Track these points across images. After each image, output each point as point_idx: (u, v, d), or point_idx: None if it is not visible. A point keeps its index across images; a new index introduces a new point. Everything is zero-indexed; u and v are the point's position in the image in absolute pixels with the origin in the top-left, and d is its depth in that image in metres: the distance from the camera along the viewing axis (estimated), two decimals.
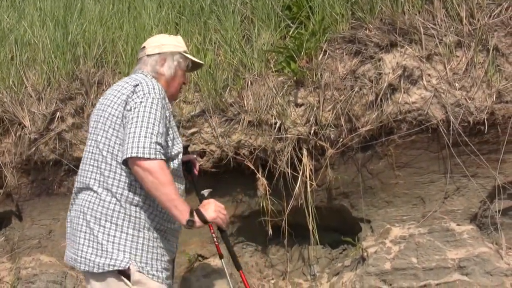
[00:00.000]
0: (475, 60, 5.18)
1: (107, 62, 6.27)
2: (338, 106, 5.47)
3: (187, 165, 4.67)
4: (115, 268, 3.67)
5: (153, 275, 3.79)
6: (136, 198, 3.81)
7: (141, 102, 3.74)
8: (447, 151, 5.28)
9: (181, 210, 3.66)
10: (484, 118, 5.10)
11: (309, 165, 5.59)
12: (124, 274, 3.69)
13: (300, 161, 5.60)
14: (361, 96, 5.44)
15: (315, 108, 5.55)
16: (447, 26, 5.34)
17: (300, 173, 5.58)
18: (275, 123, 5.60)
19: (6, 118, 6.26)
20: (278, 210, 5.72)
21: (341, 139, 5.50)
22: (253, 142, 5.67)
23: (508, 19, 5.25)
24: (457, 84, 5.17)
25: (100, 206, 3.80)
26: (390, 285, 5.28)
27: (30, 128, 6.07)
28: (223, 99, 5.73)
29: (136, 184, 3.79)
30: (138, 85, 3.86)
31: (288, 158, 5.57)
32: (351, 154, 5.59)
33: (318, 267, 6.01)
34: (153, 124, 3.66)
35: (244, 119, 5.67)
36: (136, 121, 3.67)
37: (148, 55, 4.20)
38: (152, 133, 3.62)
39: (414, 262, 5.28)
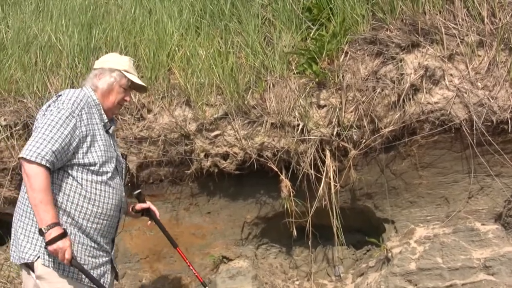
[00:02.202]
0: (497, 59, 5.22)
1: None
2: (361, 107, 5.53)
3: (149, 214, 4.98)
4: (23, 261, 4.04)
5: (64, 270, 4.06)
6: (59, 200, 4.09)
7: (51, 111, 4.09)
8: (470, 150, 5.33)
9: (41, 217, 3.89)
10: (507, 117, 5.14)
11: (332, 166, 5.65)
12: (31, 267, 4.04)
13: (323, 162, 5.67)
14: (383, 97, 5.49)
15: (337, 110, 5.62)
16: (468, 25, 5.38)
17: (324, 174, 5.65)
18: (298, 125, 5.68)
19: (31, 123, 6.35)
20: (302, 211, 5.79)
21: (364, 140, 5.56)
22: (276, 144, 5.74)
23: None
24: (479, 84, 5.21)
25: (22, 203, 4.18)
26: (416, 285, 5.34)
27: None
28: (246, 102, 5.80)
29: (55, 184, 4.10)
30: (60, 95, 4.21)
31: (311, 159, 5.64)
32: (374, 155, 5.65)
33: (342, 268, 6.07)
34: (50, 131, 3.98)
35: (266, 121, 5.74)
36: (39, 128, 4.03)
37: (94, 69, 4.56)
38: (45, 139, 3.95)
39: (440, 262, 5.32)
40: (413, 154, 5.51)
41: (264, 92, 5.84)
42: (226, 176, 5.99)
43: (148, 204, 4.93)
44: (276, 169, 5.77)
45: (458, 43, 5.34)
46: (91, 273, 4.12)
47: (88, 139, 4.16)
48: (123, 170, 4.56)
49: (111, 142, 4.41)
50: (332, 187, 5.64)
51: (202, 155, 5.92)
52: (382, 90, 5.49)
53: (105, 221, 4.25)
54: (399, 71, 5.45)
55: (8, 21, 7.66)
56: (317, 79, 5.73)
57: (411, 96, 5.38)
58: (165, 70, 6.20)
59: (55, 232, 3.87)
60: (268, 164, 5.78)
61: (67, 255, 3.90)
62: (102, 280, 4.24)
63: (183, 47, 6.34)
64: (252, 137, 5.80)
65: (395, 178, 5.66)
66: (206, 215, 6.24)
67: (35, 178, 3.88)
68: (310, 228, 5.77)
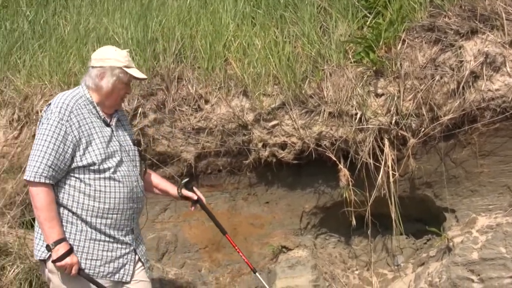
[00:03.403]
0: None
1: (186, 58, 6.44)
2: (419, 95, 5.52)
3: (197, 203, 5.01)
4: (38, 257, 4.34)
5: None
6: (65, 202, 4.27)
7: (42, 124, 4.25)
8: None
9: (46, 234, 4.13)
10: None
11: (391, 155, 5.65)
12: (45, 262, 4.28)
13: (382, 151, 5.67)
14: (442, 85, 5.47)
15: (395, 98, 5.61)
16: None
17: (382, 163, 5.65)
18: (356, 114, 5.70)
19: None
20: (361, 201, 5.80)
21: (423, 129, 5.55)
22: (334, 133, 5.76)
23: None
24: None
25: None
26: (478, 275, 5.29)
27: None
28: (303, 91, 5.83)
29: (60, 187, 4.27)
30: (50, 104, 4.32)
31: (369, 148, 5.66)
32: (433, 144, 5.63)
33: (402, 258, 6.07)
34: (42, 146, 4.14)
35: (324, 110, 5.77)
36: (34, 144, 4.23)
37: (92, 67, 4.51)
38: (39, 156, 4.13)
39: (503, 252, 5.26)
40: (474, 142, 5.47)
41: (321, 81, 5.86)
42: (284, 165, 6.04)
43: (196, 196, 4.96)
44: (335, 159, 5.79)
45: None
46: (107, 267, 4.31)
47: (83, 140, 4.23)
48: (136, 157, 4.61)
49: (114, 135, 4.44)
50: (391, 176, 5.65)
51: (260, 145, 5.98)
52: (441, 77, 5.46)
53: (115, 215, 4.33)
54: (458, 58, 5.42)
55: (65, 15, 7.79)
56: (374, 68, 5.73)
57: (471, 84, 5.34)
58: (221, 60, 6.25)
59: (62, 249, 4.09)
60: (326, 154, 5.80)
61: (74, 271, 4.12)
62: (121, 272, 4.37)
63: (239, 37, 6.39)
64: (310, 127, 5.83)
65: (455, 167, 5.63)
66: (264, 205, 6.30)
67: (36, 197, 4.12)
68: (369, 218, 5.79)
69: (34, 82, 6.83)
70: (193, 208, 5.02)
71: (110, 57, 4.45)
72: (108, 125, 4.43)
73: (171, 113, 6.21)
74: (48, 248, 4.11)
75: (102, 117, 4.41)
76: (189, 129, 6.15)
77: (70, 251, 4.12)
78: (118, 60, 4.44)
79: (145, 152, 6.26)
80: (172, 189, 4.94)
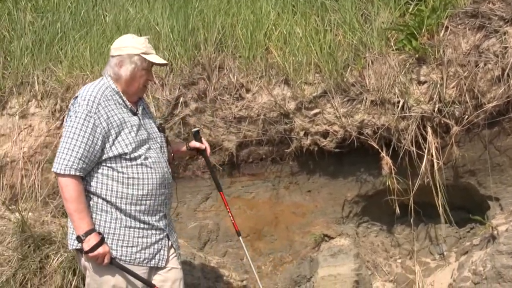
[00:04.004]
0: None
1: (227, 47, 6.47)
2: (462, 82, 5.50)
3: (202, 154, 5.12)
4: (72, 247, 4.37)
5: None
6: (98, 191, 4.31)
7: (70, 117, 4.29)
8: None
9: (76, 225, 4.19)
10: None
11: (434, 143, 5.64)
12: (81, 252, 4.30)
13: (425, 139, 5.66)
14: (486, 72, 5.45)
15: (438, 85, 5.60)
16: None
17: (425, 151, 5.63)
18: (398, 102, 5.69)
19: None
20: (404, 189, 5.79)
21: (466, 116, 5.53)
22: (376, 121, 5.76)
23: None
24: None
25: None
26: None
27: (155, 114, 6.31)
28: (344, 79, 5.84)
29: (92, 177, 4.32)
30: (77, 97, 4.35)
31: (412, 136, 5.65)
32: (477, 131, 5.61)
33: (445, 246, 6.05)
34: (72, 138, 4.19)
35: (366, 98, 5.78)
36: (62, 137, 4.27)
37: (112, 56, 4.54)
38: (69, 149, 4.18)
39: None
40: None
41: (363, 69, 5.86)
42: (326, 154, 6.05)
43: (204, 145, 5.05)
44: (377, 147, 5.80)
45: None
46: (143, 254, 4.36)
47: (112, 132, 4.28)
48: (163, 143, 4.65)
49: (142, 123, 4.50)
50: (435, 164, 5.63)
51: (301, 133, 6.00)
52: (485, 64, 5.44)
53: (149, 201, 4.39)
54: (503, 44, 5.39)
55: (106, 6, 7.85)
56: (417, 55, 5.72)
57: None
58: (262, 49, 6.28)
59: (93, 239, 4.15)
60: (369, 142, 5.81)
61: (106, 260, 4.20)
62: (157, 257, 4.42)
63: (280, 26, 6.40)
64: (351, 115, 5.83)
65: (499, 155, 5.60)
66: (306, 193, 6.32)
67: (66, 189, 4.15)
68: (412, 206, 5.78)
69: (75, 73, 6.90)
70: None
71: (127, 45, 4.47)
72: (135, 114, 4.49)
73: (212, 102, 6.24)
74: (79, 240, 4.17)
75: (129, 106, 4.46)
76: (230, 118, 6.18)
77: (101, 241, 4.19)
78: (135, 47, 4.46)
79: (187, 141, 6.32)
80: (182, 145, 5.08)
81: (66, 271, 5.85)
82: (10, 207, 6.61)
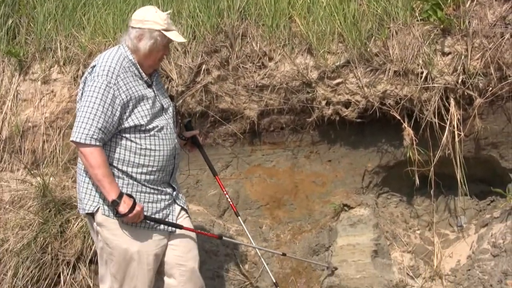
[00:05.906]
0: None
1: (250, 15, 6.47)
2: (487, 54, 5.49)
3: (193, 140, 5.29)
4: (85, 212, 4.54)
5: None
6: (110, 160, 4.45)
7: (89, 85, 4.38)
8: None
9: (107, 190, 4.32)
10: None
11: (456, 115, 5.65)
12: (93, 216, 4.50)
13: (447, 111, 5.67)
14: None
15: (462, 57, 5.60)
16: None
17: (448, 123, 5.65)
18: (422, 73, 5.70)
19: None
20: (425, 160, 5.81)
21: (490, 88, 5.53)
22: (399, 92, 5.77)
23: None
24: None
25: (80, 163, 4.60)
26: None
27: (177, 81, 6.37)
28: (368, 49, 5.84)
29: (107, 146, 4.45)
30: (95, 66, 4.46)
31: (435, 107, 5.66)
32: (500, 103, 5.62)
33: (465, 218, 6.07)
34: (92, 108, 4.29)
35: (389, 69, 5.78)
36: (81, 106, 4.37)
37: (132, 27, 4.60)
38: (89, 118, 4.28)
39: None
40: None
41: (386, 39, 5.86)
42: (347, 124, 6.07)
43: (195, 132, 5.28)
44: (399, 117, 5.81)
45: None
46: (155, 217, 4.55)
47: (130, 103, 4.40)
48: (173, 114, 4.77)
49: (156, 94, 4.62)
50: (456, 136, 5.65)
51: (323, 103, 6.02)
52: (511, 36, 5.40)
53: (159, 171, 4.56)
54: None
55: None
56: (441, 26, 5.71)
57: None
58: (286, 18, 6.27)
59: (128, 200, 4.31)
60: (391, 112, 5.82)
61: (142, 216, 4.41)
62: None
63: None
64: (374, 85, 5.84)
65: None
66: (326, 163, 6.35)
67: (90, 156, 4.27)
68: (433, 177, 5.80)
69: (98, 39, 6.93)
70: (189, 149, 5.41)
71: (149, 19, 4.52)
72: (150, 86, 4.60)
73: (234, 70, 6.27)
74: (115, 203, 4.29)
75: (145, 78, 4.57)
76: (252, 86, 6.21)
77: (134, 200, 4.35)
78: (157, 22, 4.51)
79: (208, 109, 6.36)
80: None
81: (86, 236, 5.97)
82: (32, 172, 6.71)
